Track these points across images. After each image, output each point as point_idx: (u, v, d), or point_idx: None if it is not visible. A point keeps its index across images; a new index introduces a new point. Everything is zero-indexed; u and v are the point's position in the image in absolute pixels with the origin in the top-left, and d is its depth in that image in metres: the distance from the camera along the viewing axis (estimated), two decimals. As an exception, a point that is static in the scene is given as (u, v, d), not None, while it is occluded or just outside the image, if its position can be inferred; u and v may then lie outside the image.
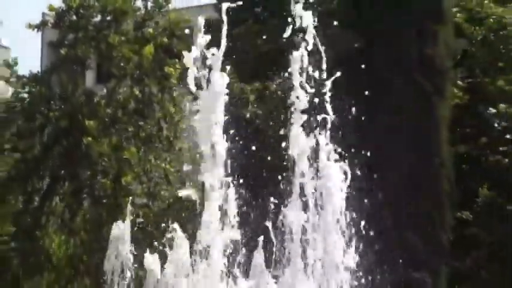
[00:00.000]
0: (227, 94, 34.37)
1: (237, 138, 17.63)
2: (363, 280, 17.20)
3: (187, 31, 38.90)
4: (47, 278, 41.96)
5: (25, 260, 40.88)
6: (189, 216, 16.98)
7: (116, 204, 40.14)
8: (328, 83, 19.75)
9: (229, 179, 16.01)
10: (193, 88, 16.94)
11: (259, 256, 16.82)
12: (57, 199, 42.20)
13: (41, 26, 44.38)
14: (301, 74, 19.13)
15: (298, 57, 19.00)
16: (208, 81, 17.30)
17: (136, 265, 20.03)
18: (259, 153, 29.42)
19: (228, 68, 26.18)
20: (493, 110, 36.11)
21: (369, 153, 29.00)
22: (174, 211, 35.69)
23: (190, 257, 16.06)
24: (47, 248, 41.16)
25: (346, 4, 32.93)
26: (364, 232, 17.43)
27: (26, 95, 42.54)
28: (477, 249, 34.14)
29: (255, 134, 33.80)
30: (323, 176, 17.37)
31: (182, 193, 16.51)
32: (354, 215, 17.45)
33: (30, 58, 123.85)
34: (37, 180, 41.89)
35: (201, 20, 16.62)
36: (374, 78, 29.56)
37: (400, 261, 28.63)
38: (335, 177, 17.49)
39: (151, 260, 17.35)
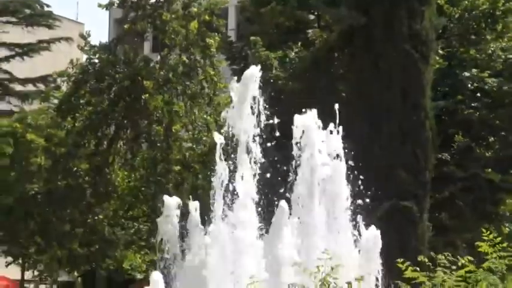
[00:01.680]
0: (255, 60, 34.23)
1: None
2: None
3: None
4: (113, 204, 42.30)
5: (96, 190, 41.18)
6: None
7: (167, 147, 40.40)
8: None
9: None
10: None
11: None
12: (121, 143, 42.50)
13: (109, 6, 44.42)
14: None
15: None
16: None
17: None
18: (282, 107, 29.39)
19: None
20: (466, 74, 35.93)
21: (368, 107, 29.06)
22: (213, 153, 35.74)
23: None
24: (113, 181, 41.43)
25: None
26: (364, 170, 17.35)
27: (97, 61, 42.71)
28: (453, 183, 34.12)
29: (278, 92, 33.85)
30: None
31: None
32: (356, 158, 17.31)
33: (100, 31, 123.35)
34: (105, 128, 42.15)
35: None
36: (373, 49, 29.50)
37: (393, 192, 28.67)
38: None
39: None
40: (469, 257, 9.52)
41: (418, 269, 9.30)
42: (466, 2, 36.85)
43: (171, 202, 16.06)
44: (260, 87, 18.94)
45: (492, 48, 36.67)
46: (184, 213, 16.45)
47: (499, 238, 9.77)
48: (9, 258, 44.88)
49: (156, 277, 13.65)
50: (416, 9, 30.80)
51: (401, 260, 9.40)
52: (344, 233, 16.37)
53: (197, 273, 14.74)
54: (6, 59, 58.02)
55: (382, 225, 17.79)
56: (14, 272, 45.36)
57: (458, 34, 36.87)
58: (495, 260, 9.39)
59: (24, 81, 58.60)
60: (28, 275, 46.42)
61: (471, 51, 36.72)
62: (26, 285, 46.82)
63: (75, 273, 47.36)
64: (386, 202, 27.44)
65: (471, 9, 36.86)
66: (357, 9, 31.21)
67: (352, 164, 17.31)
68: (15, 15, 57.59)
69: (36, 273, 46.52)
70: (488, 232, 9.83)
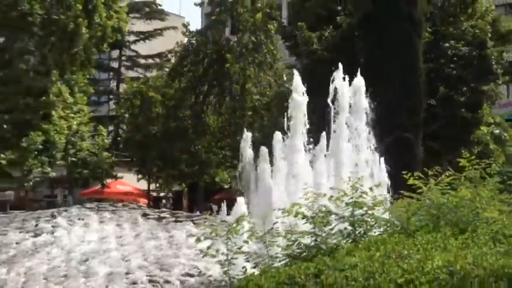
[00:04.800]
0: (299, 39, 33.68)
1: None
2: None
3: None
4: (208, 138, 42.34)
5: (196, 129, 41.43)
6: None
7: (242, 99, 40.48)
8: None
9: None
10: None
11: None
12: (212, 97, 42.64)
13: (201, 4, 44.26)
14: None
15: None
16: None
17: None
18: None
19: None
20: (447, 44, 35.25)
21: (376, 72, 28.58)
22: (275, 102, 35.70)
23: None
24: (207, 123, 41.61)
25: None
26: (377, 113, 16.89)
27: (194, 42, 42.76)
28: (438, 120, 33.63)
29: (316, 62, 33.58)
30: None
31: None
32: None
33: (195, 22, 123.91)
34: (201, 87, 42.35)
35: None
36: (382, 28, 29.00)
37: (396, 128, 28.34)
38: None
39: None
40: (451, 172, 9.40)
41: (417, 177, 9.20)
42: (447, -7, 36.30)
43: (248, 136, 15.85)
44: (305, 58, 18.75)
45: (464, 26, 35.94)
46: (256, 144, 16.22)
47: (473, 156, 9.62)
48: (139, 176, 45.49)
49: (241, 200, 13.31)
50: (412, 0, 30.31)
51: (406, 172, 9.31)
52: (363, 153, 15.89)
53: (265, 183, 14.60)
54: (134, 42, 58.57)
55: (389, 150, 17.57)
56: (142, 185, 45.98)
57: (441, 17, 36.04)
58: (471, 172, 9.28)
59: (146, 57, 59.09)
60: (152, 186, 46.98)
61: (450, 28, 35.99)
62: (150, 193, 47.42)
63: (183, 185, 47.85)
64: (393, 133, 27.14)
65: (450, -2, 36.34)
66: (367, 0, 30.84)
67: (369, 111, 16.83)
68: (139, 12, 57.93)
69: (157, 185, 47.07)
70: (466, 152, 9.69)
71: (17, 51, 35.90)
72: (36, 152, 33.89)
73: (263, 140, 15.96)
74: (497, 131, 37.93)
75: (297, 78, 15.49)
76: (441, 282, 5.64)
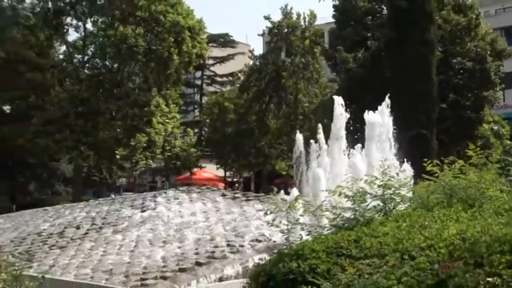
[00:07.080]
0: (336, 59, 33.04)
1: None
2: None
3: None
4: (269, 137, 42.34)
5: (260, 130, 41.36)
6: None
7: (295, 106, 40.22)
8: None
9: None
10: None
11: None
12: (272, 105, 42.54)
13: (263, 34, 44.16)
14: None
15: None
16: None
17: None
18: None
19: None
20: (454, 60, 34.45)
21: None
22: (320, 109, 35.42)
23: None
24: (269, 124, 41.41)
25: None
26: (399, 114, 16.23)
27: (258, 63, 42.76)
28: (449, 120, 32.83)
29: (352, 77, 33.23)
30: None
31: None
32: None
33: (258, 48, 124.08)
34: (263, 97, 42.29)
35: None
36: (403, 50, 28.38)
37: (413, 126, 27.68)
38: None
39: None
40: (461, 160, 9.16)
41: (435, 164, 8.99)
42: (453, 21, 35.34)
43: (300, 136, 15.70)
44: (343, 74, 18.08)
45: (469, 46, 35.08)
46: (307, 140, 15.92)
47: (478, 148, 9.38)
48: (218, 166, 45.82)
49: (295, 190, 12.95)
50: (427, 27, 29.67)
51: (425, 160, 9.11)
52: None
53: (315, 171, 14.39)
54: (212, 64, 58.97)
55: (410, 144, 17.21)
56: (220, 172, 46.31)
57: (449, 39, 35.21)
58: (476, 160, 9.04)
59: (221, 76, 59.43)
60: (227, 174, 47.27)
61: (457, 47, 35.16)
62: (226, 179, 47.71)
63: (251, 172, 47.98)
64: (412, 131, 26.55)
65: (457, 25, 35.36)
66: (391, 28, 30.33)
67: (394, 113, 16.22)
68: (216, 42, 58.30)
69: (231, 172, 47.33)
70: (472, 145, 9.46)
71: (126, 74, 36.76)
72: (141, 149, 34.58)
73: (312, 138, 15.68)
74: (496, 128, 36.93)
75: (339, 101, 14.71)
76: (455, 246, 5.55)
